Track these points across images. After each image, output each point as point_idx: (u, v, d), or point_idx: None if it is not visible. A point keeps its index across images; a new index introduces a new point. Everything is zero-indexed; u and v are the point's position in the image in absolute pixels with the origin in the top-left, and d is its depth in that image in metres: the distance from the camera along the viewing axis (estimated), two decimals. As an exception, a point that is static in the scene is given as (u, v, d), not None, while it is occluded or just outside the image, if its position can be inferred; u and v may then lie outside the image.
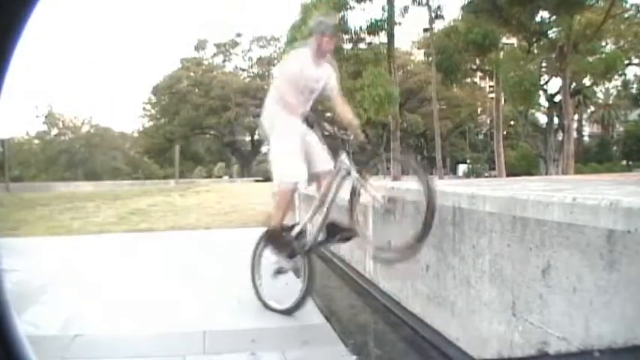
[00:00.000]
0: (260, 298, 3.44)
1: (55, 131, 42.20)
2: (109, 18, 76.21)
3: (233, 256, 5.30)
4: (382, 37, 17.88)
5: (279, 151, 3.26)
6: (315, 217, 3.30)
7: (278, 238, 3.35)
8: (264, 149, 49.01)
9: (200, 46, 45.10)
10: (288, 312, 3.24)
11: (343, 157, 3.08)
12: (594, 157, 37.13)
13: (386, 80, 15.84)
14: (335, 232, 3.22)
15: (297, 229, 3.37)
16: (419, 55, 35.99)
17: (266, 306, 3.38)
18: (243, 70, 45.99)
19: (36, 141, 42.36)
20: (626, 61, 22.43)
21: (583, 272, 1.63)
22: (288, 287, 3.39)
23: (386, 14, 17.12)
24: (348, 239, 3.29)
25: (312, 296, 3.32)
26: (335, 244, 3.77)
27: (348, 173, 3.02)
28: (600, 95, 38.97)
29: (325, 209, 3.17)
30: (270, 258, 3.48)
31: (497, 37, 17.84)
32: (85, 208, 11.31)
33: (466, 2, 18.18)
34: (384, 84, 15.59)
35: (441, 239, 2.68)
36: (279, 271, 3.41)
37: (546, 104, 26.94)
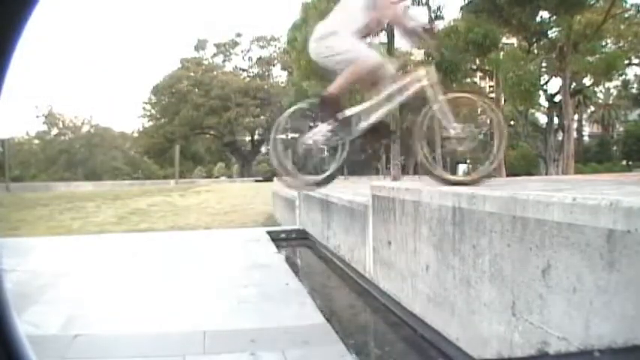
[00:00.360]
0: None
1: (55, 131, 42.19)
2: (109, 18, 76.26)
3: (234, 256, 5.30)
4: (382, 37, 17.88)
5: (354, 43, 3.34)
6: (371, 110, 3.42)
7: (334, 104, 3.37)
8: (263, 149, 49.09)
9: (200, 46, 45.11)
10: (322, 182, 3.50)
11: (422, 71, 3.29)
12: (594, 157, 37.13)
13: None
14: (382, 131, 3.63)
15: (350, 112, 3.42)
16: (419, 55, 36.02)
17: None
18: (243, 70, 46.02)
19: (36, 141, 42.35)
20: (626, 61, 22.43)
21: (583, 272, 1.63)
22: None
23: (386, 14, 17.13)
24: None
25: (313, 296, 3.33)
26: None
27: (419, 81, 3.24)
28: (600, 95, 38.99)
29: (383, 107, 3.36)
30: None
31: (497, 37, 17.83)
32: (85, 208, 11.31)
33: (466, 2, 18.18)
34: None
35: (441, 239, 2.68)
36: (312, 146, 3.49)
37: (546, 104, 26.91)
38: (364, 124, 3.37)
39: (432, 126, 3.35)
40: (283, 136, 3.63)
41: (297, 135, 3.57)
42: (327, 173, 3.51)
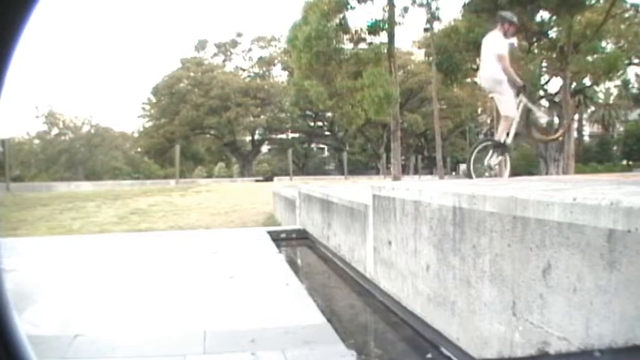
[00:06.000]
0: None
1: (55, 131, 42.11)
2: (109, 18, 76.26)
3: (234, 255, 5.30)
4: (383, 37, 17.87)
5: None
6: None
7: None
8: (264, 149, 49.02)
9: (200, 46, 45.08)
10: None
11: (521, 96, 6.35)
12: (595, 157, 37.14)
13: (386, 80, 15.83)
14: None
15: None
16: (419, 55, 35.99)
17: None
18: (244, 70, 45.99)
19: (36, 141, 42.28)
20: (627, 61, 22.43)
21: (583, 272, 1.62)
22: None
23: (386, 14, 17.14)
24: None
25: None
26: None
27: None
28: (601, 95, 39.00)
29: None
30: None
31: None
32: (86, 208, 11.31)
33: (467, 1, 18.18)
34: (385, 84, 15.59)
35: (441, 239, 2.68)
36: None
37: (546, 104, 26.90)
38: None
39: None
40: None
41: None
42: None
